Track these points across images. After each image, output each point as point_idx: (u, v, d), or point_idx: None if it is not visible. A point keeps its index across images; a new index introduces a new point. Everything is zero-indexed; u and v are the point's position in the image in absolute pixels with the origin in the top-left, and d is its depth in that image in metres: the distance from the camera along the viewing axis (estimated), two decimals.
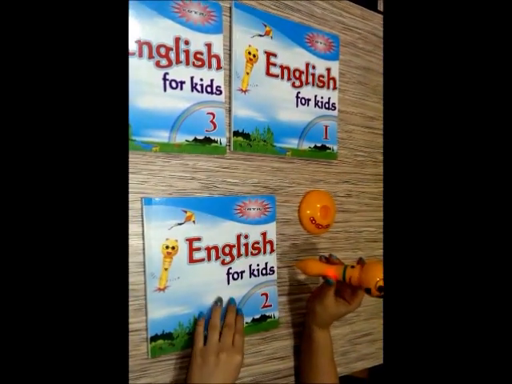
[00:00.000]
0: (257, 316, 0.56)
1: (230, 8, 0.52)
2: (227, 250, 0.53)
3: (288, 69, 0.58)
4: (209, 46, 0.51)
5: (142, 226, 0.47)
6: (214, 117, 0.52)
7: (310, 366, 0.54)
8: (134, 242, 0.47)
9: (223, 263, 0.53)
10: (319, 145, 0.62)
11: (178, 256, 0.49)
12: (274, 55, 0.57)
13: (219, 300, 0.52)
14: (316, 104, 0.62)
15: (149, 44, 0.47)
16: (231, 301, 0.53)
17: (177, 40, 0.49)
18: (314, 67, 0.61)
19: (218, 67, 0.52)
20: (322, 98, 0.62)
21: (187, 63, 0.49)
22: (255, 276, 0.56)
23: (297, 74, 0.59)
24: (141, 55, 0.46)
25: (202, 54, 0.50)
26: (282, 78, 0.58)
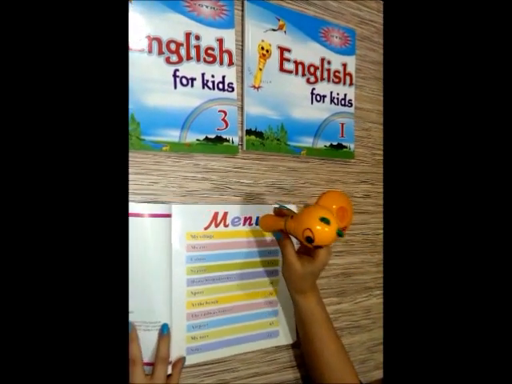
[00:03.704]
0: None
1: (243, 2, 0.50)
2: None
3: (302, 64, 0.56)
4: (220, 41, 0.49)
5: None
6: (225, 115, 0.50)
7: (306, 338, 0.50)
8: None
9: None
10: (335, 143, 0.60)
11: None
12: (288, 50, 0.54)
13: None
14: (332, 101, 0.59)
15: (159, 40, 0.45)
16: (164, 329, 0.44)
17: (187, 35, 0.47)
18: (329, 62, 0.58)
19: (230, 63, 0.50)
20: (337, 94, 0.60)
21: (198, 59, 0.48)
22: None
23: (311, 70, 0.57)
24: (150, 51, 0.45)
25: (213, 49, 0.49)
26: (297, 73, 0.55)
